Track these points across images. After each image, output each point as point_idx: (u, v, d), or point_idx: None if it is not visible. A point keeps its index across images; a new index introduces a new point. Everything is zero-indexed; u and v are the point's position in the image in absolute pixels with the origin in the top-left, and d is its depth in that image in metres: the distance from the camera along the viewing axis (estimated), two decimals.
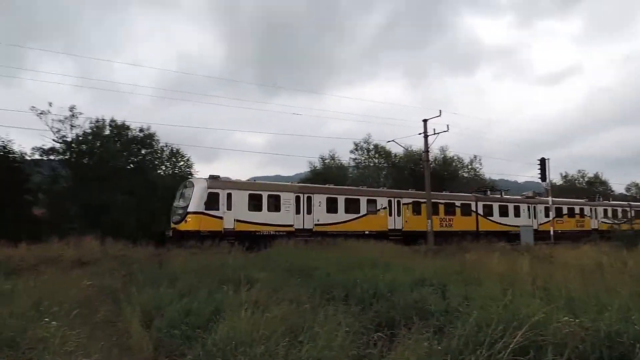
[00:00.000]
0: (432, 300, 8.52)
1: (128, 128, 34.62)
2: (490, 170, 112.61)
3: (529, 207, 38.48)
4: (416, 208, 32.15)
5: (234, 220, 25.28)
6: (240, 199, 25.75)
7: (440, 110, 30.63)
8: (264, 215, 26.36)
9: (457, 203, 34.77)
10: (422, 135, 31.67)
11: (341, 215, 28.91)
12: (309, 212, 27.89)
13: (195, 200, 24.64)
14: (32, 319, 7.26)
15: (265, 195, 26.76)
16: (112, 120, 34.17)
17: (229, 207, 25.24)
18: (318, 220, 28.04)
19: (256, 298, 8.12)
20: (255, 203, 26.35)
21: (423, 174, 32.44)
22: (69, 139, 31.63)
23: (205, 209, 24.69)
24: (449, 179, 50.08)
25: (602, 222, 41.66)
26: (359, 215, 29.64)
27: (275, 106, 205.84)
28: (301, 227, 27.36)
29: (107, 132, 33.86)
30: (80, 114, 31.77)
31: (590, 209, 42.57)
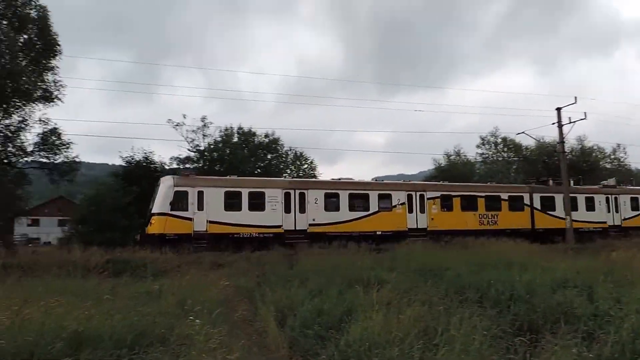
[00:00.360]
0: (578, 303, 7.97)
1: (254, 134, 36.80)
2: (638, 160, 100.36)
3: (608, 198, 32.59)
4: (446, 203, 28.26)
5: (207, 221, 23.22)
6: (215, 197, 23.58)
7: (575, 97, 28.76)
8: (244, 215, 23.97)
9: (504, 196, 29.94)
10: (556, 125, 29.85)
11: (344, 213, 25.80)
12: (302, 210, 25.07)
13: (160, 200, 23.06)
14: (178, 316, 7.93)
15: (245, 192, 24.24)
16: (240, 128, 36.54)
17: (200, 207, 23.24)
18: (314, 220, 25.06)
19: (387, 299, 8.07)
20: (232, 202, 24.05)
21: (558, 167, 30.09)
22: (201, 148, 34.33)
23: (171, 210, 22.89)
24: (587, 170, 46.05)
25: None
26: (367, 213, 26.31)
27: (396, 104, 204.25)
28: (292, 228, 24.65)
29: (235, 139, 36.27)
30: (211, 123, 34.37)
31: None
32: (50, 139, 30.08)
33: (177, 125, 33.10)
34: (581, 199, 31.54)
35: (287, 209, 24.62)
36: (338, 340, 6.55)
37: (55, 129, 30.30)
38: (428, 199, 27.73)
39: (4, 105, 28.21)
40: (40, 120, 29.95)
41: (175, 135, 33.31)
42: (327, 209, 25.47)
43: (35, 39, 29.45)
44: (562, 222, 29.08)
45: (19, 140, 29.69)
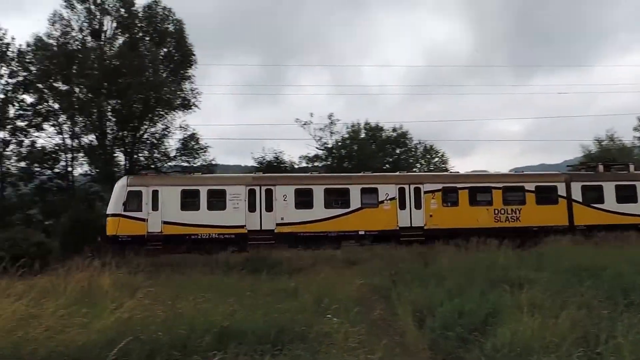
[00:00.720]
0: None
1: (382, 129, 36.82)
2: None
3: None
4: (449, 196, 24.89)
5: (161, 222, 22.50)
6: (170, 196, 22.77)
7: None
8: (203, 215, 22.91)
9: (529, 186, 25.47)
10: None
11: (318, 211, 23.49)
12: (270, 208, 23.31)
13: (113, 200, 22.78)
14: (315, 314, 8.16)
15: (203, 190, 23.16)
16: (367, 123, 36.80)
17: (155, 207, 22.51)
18: (282, 219, 23.17)
19: (537, 301, 7.55)
20: (190, 201, 23.16)
21: None
22: (329, 145, 35.13)
23: (124, 210, 22.41)
24: None
25: None
26: (348, 210, 23.77)
27: (533, 87, 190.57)
28: (257, 227, 23.05)
29: (363, 134, 36.57)
30: (338, 120, 34.98)
31: None
32: (190, 144, 33.01)
33: (304, 124, 34.37)
34: None
35: (252, 208, 23.25)
36: (483, 344, 6.27)
37: (193, 134, 33.23)
38: (426, 192, 24.51)
39: (149, 115, 31.51)
40: (180, 126, 33.05)
41: (303, 134, 34.53)
42: (298, 206, 23.48)
43: (174, 51, 32.48)
44: (612, 217, 24.78)
45: (163, 147, 33.05)
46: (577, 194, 25.38)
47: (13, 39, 31.79)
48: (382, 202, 23.99)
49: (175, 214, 22.66)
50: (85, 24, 30.97)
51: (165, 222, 22.53)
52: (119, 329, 6.55)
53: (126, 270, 12.72)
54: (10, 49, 31.73)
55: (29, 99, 32.34)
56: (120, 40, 31.45)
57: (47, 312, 7.07)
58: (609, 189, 25.41)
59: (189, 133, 33.15)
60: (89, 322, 6.84)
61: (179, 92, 31.85)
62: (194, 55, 32.59)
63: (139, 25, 31.60)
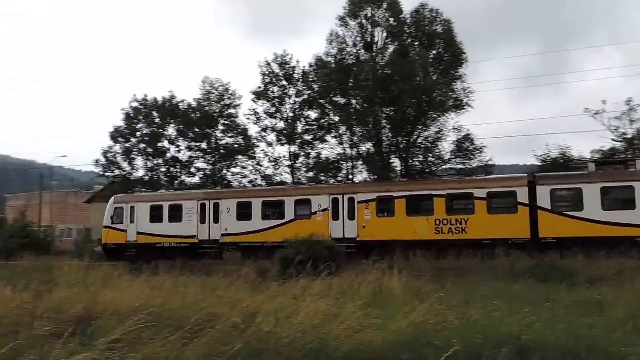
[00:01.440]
0: None
1: None
2: None
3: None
4: (384, 206, 23.91)
5: (136, 232, 27.83)
6: (143, 211, 28.05)
7: None
8: (165, 226, 27.41)
9: (479, 192, 22.51)
10: None
11: (256, 222, 25.55)
12: (216, 220, 26.34)
13: (105, 215, 29.05)
14: (632, 333, 7.12)
15: (165, 205, 27.89)
16: None
17: (132, 220, 28.01)
18: (226, 230, 26.01)
19: None
20: (155, 214, 27.78)
21: None
22: (629, 136, 30.71)
23: (112, 223, 28.49)
24: None
25: None
26: (282, 221, 25.08)
27: None
28: (206, 237, 26.53)
29: None
30: (638, 105, 30.37)
31: None
32: (464, 145, 32.84)
33: (595, 113, 30.70)
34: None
35: (202, 220, 26.70)
36: None
37: (468, 134, 32.97)
38: (359, 202, 24.20)
39: (422, 119, 32.49)
40: (453, 128, 33.18)
41: (594, 125, 30.77)
42: (239, 218, 26.05)
43: (443, 52, 32.87)
44: (594, 228, 20.34)
45: (437, 150, 33.66)
46: (544, 200, 21.56)
47: (297, 62, 36.69)
48: (315, 213, 24.69)
49: (146, 225, 27.90)
50: (358, 39, 33.69)
51: (138, 232, 27.96)
52: (413, 332, 6.78)
53: (409, 273, 13.22)
54: (295, 71, 36.72)
55: (313, 114, 36.84)
56: (391, 48, 33.17)
57: (346, 311, 7.76)
58: (592, 193, 20.94)
59: (463, 134, 33.08)
60: (384, 323, 7.24)
61: (450, 93, 32.07)
62: (464, 53, 32.49)
63: (407, 31, 32.93)
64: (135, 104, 39.40)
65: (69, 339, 6.47)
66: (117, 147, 39.36)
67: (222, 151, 39.06)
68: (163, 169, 40.06)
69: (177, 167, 39.80)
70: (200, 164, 39.96)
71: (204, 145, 39.37)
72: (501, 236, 21.52)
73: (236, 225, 26.15)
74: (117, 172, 39.72)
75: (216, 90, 39.25)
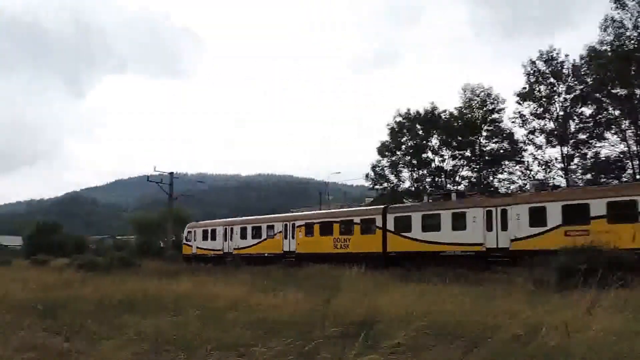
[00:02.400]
0: None
1: None
2: None
3: (487, 212, 24.11)
4: (309, 229, 31.97)
5: (196, 247, 40.64)
6: (199, 234, 41.03)
7: None
8: (215, 244, 38.66)
9: (356, 219, 29.79)
10: None
11: (249, 240, 35.86)
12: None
13: (183, 235, 43.94)
14: None
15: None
16: None
17: (195, 239, 41.09)
18: (237, 246, 36.38)
19: None
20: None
21: None
22: None
23: (185, 241, 42.61)
24: None
25: None
26: (260, 240, 35.08)
27: None
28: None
29: None
30: None
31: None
32: None
33: None
34: (446, 216, 25.58)
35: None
36: None
37: None
38: (297, 226, 32.52)
39: None
40: None
41: None
42: (242, 237, 36.41)
43: None
44: (419, 245, 26.16)
45: None
46: (390, 225, 27.42)
47: (566, 56, 33.57)
48: (276, 234, 33.86)
49: (201, 244, 39.73)
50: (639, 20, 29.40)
51: (198, 247, 40.02)
52: None
53: None
54: (564, 67, 33.65)
55: (587, 110, 33.23)
56: None
57: None
58: (417, 219, 26.69)
59: None
60: None
61: None
62: None
63: None
64: (399, 119, 41.11)
65: (354, 341, 6.98)
66: (384, 161, 41.52)
67: (487, 158, 38.00)
68: (428, 179, 40.80)
69: (442, 176, 40.08)
70: (465, 172, 39.57)
71: (468, 153, 38.86)
72: (367, 251, 28.19)
73: (241, 242, 36.25)
74: (385, 184, 41.91)
75: (478, 96, 38.49)
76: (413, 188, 40.93)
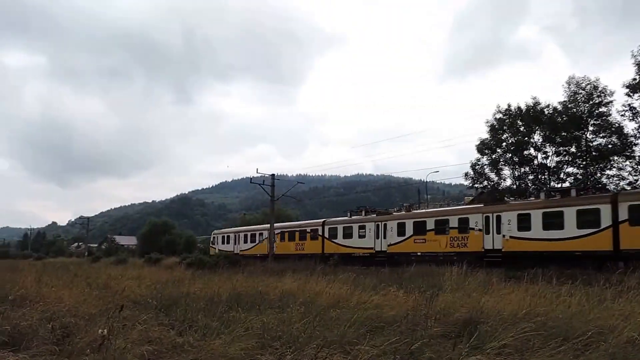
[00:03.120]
0: None
1: None
2: None
3: (378, 225, 34.11)
4: (284, 237, 43.51)
5: (239, 250, 48.86)
6: (231, 237, 52.49)
7: None
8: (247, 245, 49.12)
9: (308, 229, 40.84)
10: None
11: (250, 243, 48.74)
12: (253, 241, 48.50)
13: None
14: None
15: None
16: None
17: (230, 243, 51.93)
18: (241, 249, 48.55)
19: None
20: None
21: None
22: None
23: (220, 244, 54.11)
24: None
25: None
26: (255, 243, 47.92)
27: None
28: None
29: None
30: None
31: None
32: None
33: None
34: (355, 228, 36.07)
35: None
36: None
37: None
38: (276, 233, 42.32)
39: None
40: None
41: None
42: (245, 240, 49.42)
43: None
44: (343, 248, 36.33)
45: None
46: (326, 233, 38.65)
47: None
48: (262, 240, 45.62)
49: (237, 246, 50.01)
50: None
51: (240, 250, 47.81)
52: None
53: None
54: None
55: None
56: None
57: None
58: (340, 229, 37.70)
59: None
60: None
61: None
62: None
63: None
64: (499, 115, 39.48)
65: (457, 341, 6.81)
66: (484, 159, 40.05)
67: (594, 153, 35.43)
68: (531, 177, 38.81)
69: (545, 173, 37.93)
70: (570, 169, 37.17)
71: (573, 149, 36.46)
72: (314, 252, 38.55)
73: (244, 246, 47.92)
74: (485, 183, 40.40)
75: (583, 89, 35.97)
76: (515, 186, 39.10)
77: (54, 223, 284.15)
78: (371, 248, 34.13)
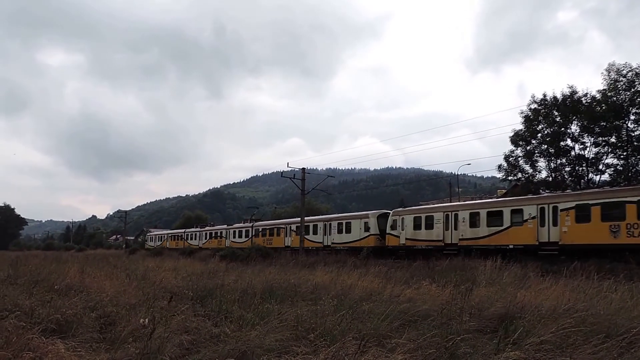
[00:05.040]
0: None
1: None
2: None
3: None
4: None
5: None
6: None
7: None
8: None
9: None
10: None
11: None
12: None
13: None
14: None
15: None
16: None
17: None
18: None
19: None
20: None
21: None
22: None
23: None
24: None
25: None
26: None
27: None
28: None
29: None
30: None
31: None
32: None
33: None
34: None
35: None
36: None
37: None
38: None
39: None
40: None
41: None
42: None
43: None
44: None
45: None
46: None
47: None
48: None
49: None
50: None
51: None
52: None
53: None
54: None
55: None
56: None
57: None
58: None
59: None
60: None
61: None
62: None
63: None
64: (534, 106, 38.59)
65: (493, 336, 6.72)
66: (519, 151, 39.25)
67: (635, 143, 34.29)
68: (567, 169, 37.86)
69: (583, 165, 36.93)
70: (609, 159, 36.05)
71: (613, 139, 35.34)
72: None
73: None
74: (519, 175, 39.62)
75: (624, 77, 34.74)
76: (550, 178, 38.20)
77: (93, 216, 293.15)
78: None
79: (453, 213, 29.97)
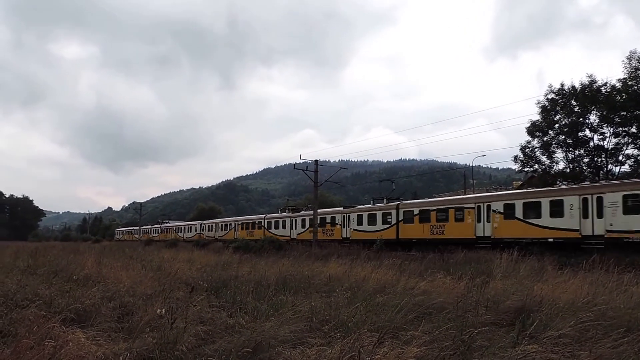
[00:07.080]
0: None
1: None
2: None
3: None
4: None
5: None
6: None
7: None
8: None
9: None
10: None
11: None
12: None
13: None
14: None
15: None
16: None
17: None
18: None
19: None
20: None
21: None
22: None
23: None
24: None
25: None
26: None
27: None
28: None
29: None
30: None
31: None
32: None
33: None
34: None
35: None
36: None
37: None
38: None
39: None
40: None
41: None
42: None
43: None
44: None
45: None
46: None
47: None
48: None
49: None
50: None
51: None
52: None
53: None
54: None
55: None
56: None
57: None
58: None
59: None
60: None
61: None
62: None
63: None
64: (551, 96, 38.06)
65: (509, 330, 6.69)
66: (535, 142, 38.79)
67: None
68: (586, 160, 37.33)
69: (602, 156, 36.38)
70: (630, 150, 35.45)
71: (633, 129, 34.73)
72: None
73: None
74: (536, 166, 39.18)
75: None
76: (568, 169, 37.69)
77: (109, 208, 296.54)
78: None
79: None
